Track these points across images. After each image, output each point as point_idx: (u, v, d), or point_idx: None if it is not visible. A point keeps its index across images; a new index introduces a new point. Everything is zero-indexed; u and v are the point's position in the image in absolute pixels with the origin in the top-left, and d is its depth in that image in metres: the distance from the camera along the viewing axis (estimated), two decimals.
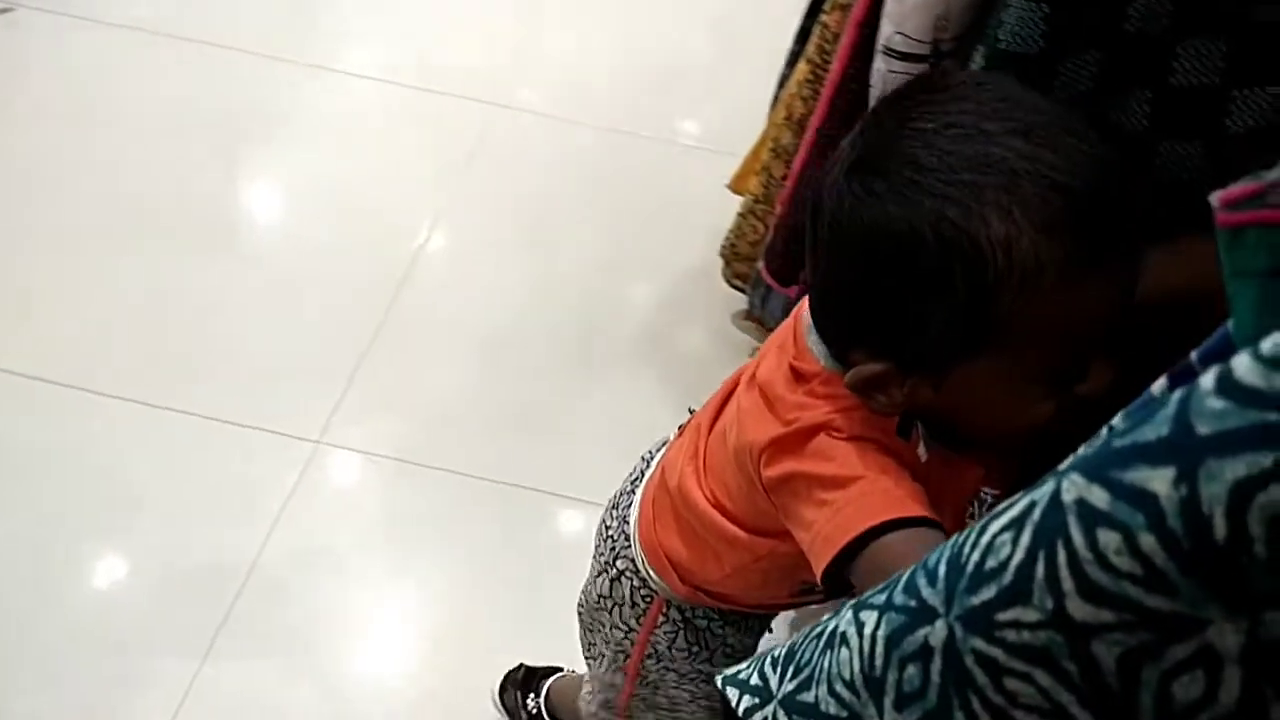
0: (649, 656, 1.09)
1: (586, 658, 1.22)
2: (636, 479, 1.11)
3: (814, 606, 1.14)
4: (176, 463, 1.78)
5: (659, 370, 1.94)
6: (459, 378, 1.93)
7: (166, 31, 2.42)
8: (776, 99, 1.85)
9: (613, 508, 1.12)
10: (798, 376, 0.81)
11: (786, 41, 1.80)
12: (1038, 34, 0.83)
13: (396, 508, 1.78)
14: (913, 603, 0.44)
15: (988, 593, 0.41)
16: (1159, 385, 0.45)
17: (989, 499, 0.93)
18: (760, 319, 1.85)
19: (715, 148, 2.18)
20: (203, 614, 1.63)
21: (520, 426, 1.87)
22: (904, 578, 0.47)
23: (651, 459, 1.11)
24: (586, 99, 2.36)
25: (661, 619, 1.07)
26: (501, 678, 1.57)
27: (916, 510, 0.71)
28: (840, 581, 0.73)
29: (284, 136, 2.28)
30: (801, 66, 1.71)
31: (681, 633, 1.07)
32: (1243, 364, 0.36)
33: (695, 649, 1.08)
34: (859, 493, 0.73)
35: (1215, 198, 0.40)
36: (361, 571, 1.71)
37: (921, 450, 0.78)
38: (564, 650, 1.57)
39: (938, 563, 0.45)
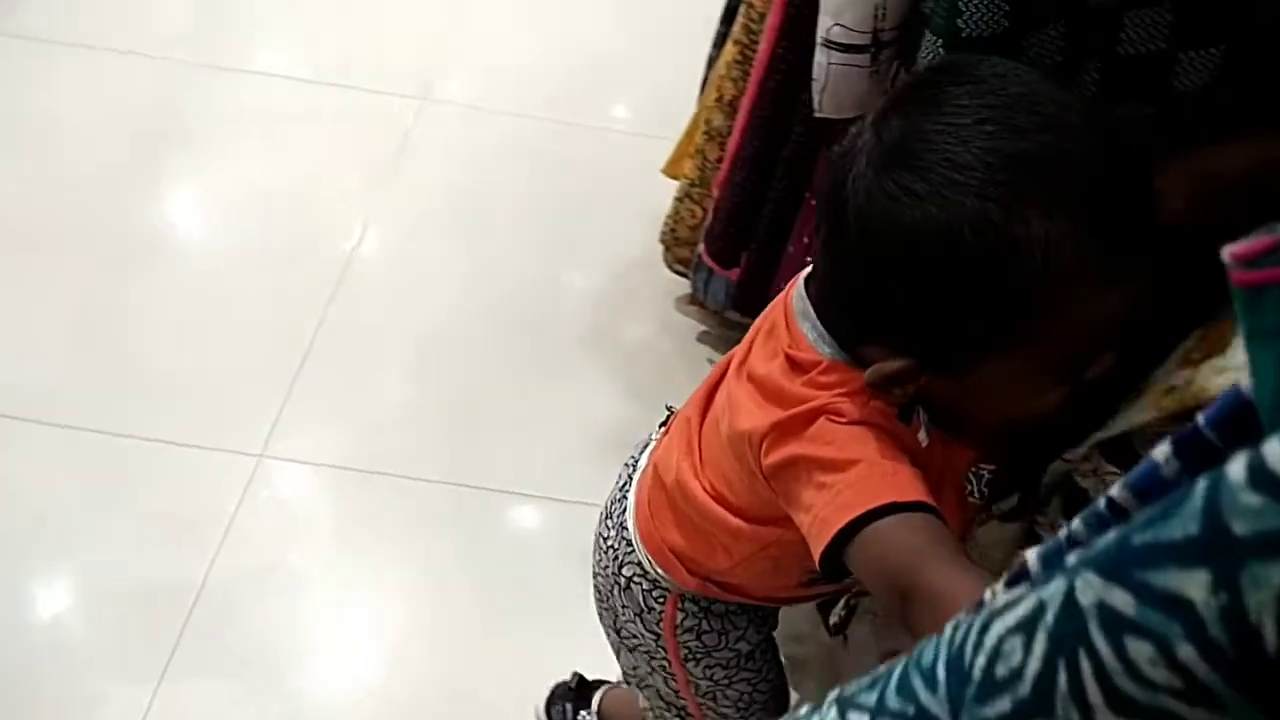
0: (687, 660, 1.06)
1: (637, 685, 1.19)
2: (625, 484, 1.08)
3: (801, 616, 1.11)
4: (111, 486, 1.69)
5: (606, 359, 1.89)
6: (402, 380, 1.86)
7: (72, 41, 2.31)
8: (706, 81, 1.79)
9: (605, 518, 1.09)
10: (794, 365, 0.80)
11: (710, 23, 1.74)
12: (1001, 15, 0.81)
13: (347, 518, 1.71)
14: (911, 709, 0.40)
15: (1002, 704, 0.37)
16: (1162, 452, 0.40)
17: (985, 475, 0.93)
18: (703, 302, 1.81)
19: (647, 132, 2.12)
20: (154, 639, 1.55)
21: (468, 426, 1.81)
22: (895, 677, 0.42)
23: (636, 463, 1.08)
24: (512, 89, 2.29)
25: (680, 614, 1.04)
26: (549, 692, 1.49)
27: (914, 495, 0.70)
28: (839, 566, 0.72)
29: (204, 143, 2.18)
30: (729, 48, 1.66)
31: (704, 620, 1.04)
32: (1276, 453, 0.31)
33: (725, 634, 1.05)
34: (858, 476, 0.72)
35: (1228, 254, 0.35)
36: (315, 585, 1.64)
37: (922, 435, 0.77)
38: (533, 650, 1.55)
39: (934, 663, 0.40)
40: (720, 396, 0.91)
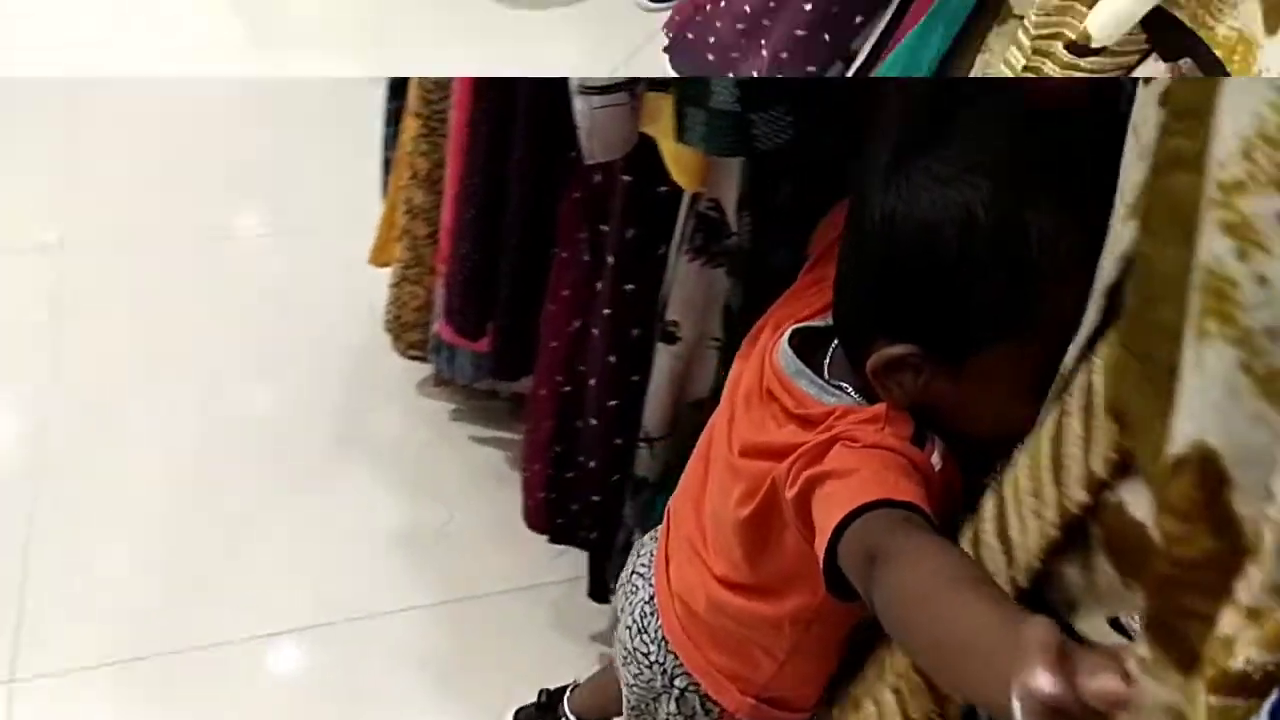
0: None
1: None
2: (652, 597, 1.01)
3: None
4: None
5: (363, 463, 1.74)
6: (144, 549, 1.61)
7: None
8: (388, 162, 1.70)
9: (640, 633, 1.01)
10: (807, 423, 0.78)
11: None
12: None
13: (132, 715, 1.47)
14: None
15: None
16: None
17: None
18: (450, 380, 1.70)
19: (314, 230, 1.98)
20: None
21: (233, 573, 1.59)
22: None
23: (648, 572, 1.02)
24: (167, 216, 2.07)
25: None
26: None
27: (907, 496, 0.68)
28: (840, 580, 0.69)
29: None
30: (410, 122, 1.58)
31: None
32: None
33: None
34: (857, 480, 0.70)
35: None
36: None
37: (936, 459, 0.75)
38: None
39: None
40: (713, 493, 0.89)
